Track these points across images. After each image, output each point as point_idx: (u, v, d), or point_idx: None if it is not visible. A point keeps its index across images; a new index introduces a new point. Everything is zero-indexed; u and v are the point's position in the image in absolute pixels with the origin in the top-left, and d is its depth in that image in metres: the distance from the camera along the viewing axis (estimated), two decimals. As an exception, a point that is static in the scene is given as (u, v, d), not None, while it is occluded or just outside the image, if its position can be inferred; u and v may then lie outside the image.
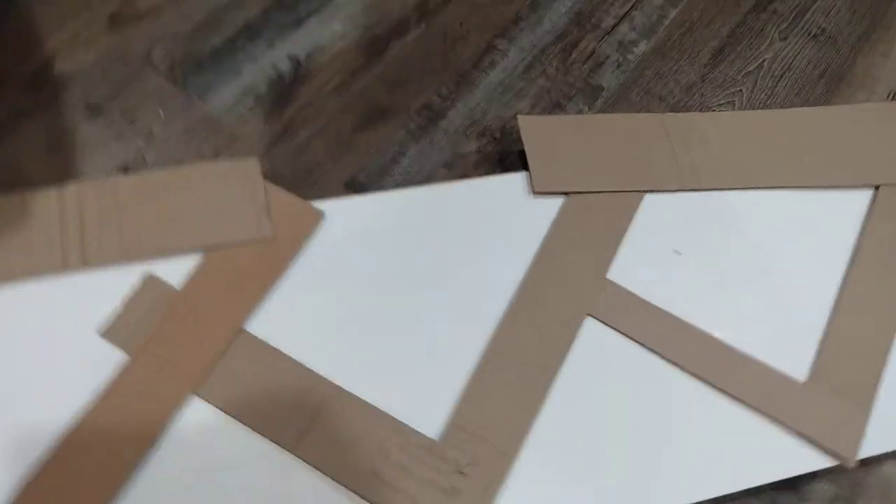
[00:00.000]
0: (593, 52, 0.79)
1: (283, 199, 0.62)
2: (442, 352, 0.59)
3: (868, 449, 0.58)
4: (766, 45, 0.83)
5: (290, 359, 0.57)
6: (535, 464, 0.55)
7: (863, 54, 0.84)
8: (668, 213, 0.67)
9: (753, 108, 0.77)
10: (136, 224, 0.59)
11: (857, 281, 0.65)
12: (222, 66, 0.73)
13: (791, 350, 0.62)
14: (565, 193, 0.66)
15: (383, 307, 0.60)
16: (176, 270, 0.59)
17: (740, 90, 0.80)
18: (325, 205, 0.63)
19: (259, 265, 0.59)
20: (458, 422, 0.56)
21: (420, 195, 0.66)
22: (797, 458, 0.58)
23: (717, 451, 0.58)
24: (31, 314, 0.56)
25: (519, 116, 0.68)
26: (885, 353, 0.62)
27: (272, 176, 0.64)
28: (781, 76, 0.81)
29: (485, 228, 0.64)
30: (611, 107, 0.76)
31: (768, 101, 0.79)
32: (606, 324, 0.61)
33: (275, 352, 0.57)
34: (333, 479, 0.53)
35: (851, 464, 0.57)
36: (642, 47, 0.81)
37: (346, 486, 0.53)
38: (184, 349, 0.56)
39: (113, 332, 0.56)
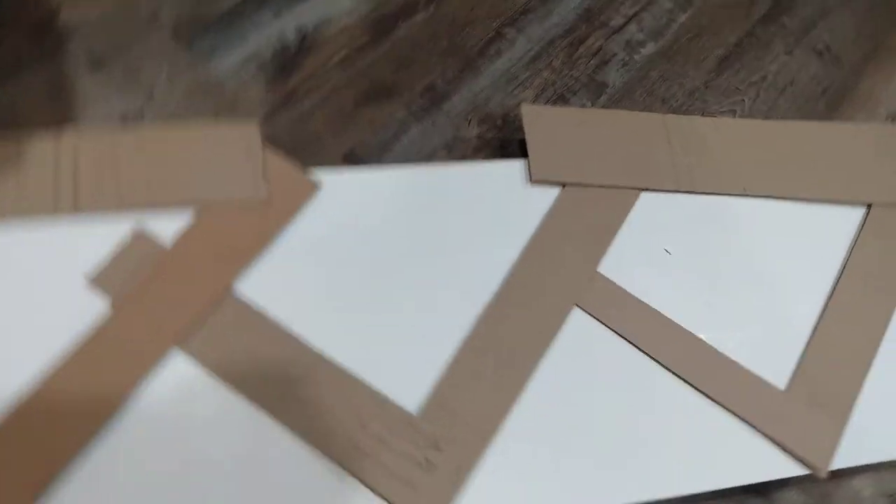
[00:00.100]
0: (600, 49, 0.80)
1: (280, 165, 0.62)
2: (428, 329, 0.59)
3: (840, 461, 0.58)
4: (772, 57, 0.84)
5: (275, 324, 0.57)
6: (510, 447, 0.55)
7: (866, 75, 0.85)
8: (663, 212, 0.67)
9: (754, 119, 0.78)
10: (130, 175, 0.59)
11: (843, 296, 0.66)
12: (228, 31, 0.72)
13: (773, 358, 0.62)
14: (562, 184, 0.66)
15: (372, 280, 0.60)
16: (167, 226, 0.58)
17: (742, 99, 0.80)
18: (322, 175, 0.63)
19: (251, 228, 0.59)
20: (438, 399, 0.56)
21: (418, 174, 0.66)
22: (769, 464, 0.58)
23: (690, 450, 0.58)
24: (17, 255, 0.56)
25: (522, 105, 0.68)
26: (865, 369, 0.62)
27: (271, 143, 0.64)
28: (784, 90, 0.82)
29: (480, 212, 0.64)
30: (614, 104, 0.76)
31: (769, 113, 0.80)
32: (593, 316, 0.61)
33: (261, 316, 0.57)
34: (310, 444, 0.53)
35: (823, 474, 0.57)
36: (649, 48, 0.81)
37: (321, 452, 0.53)
38: (169, 304, 0.55)
39: (100, 281, 0.56)
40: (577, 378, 0.59)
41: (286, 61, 0.71)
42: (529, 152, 0.66)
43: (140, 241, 0.57)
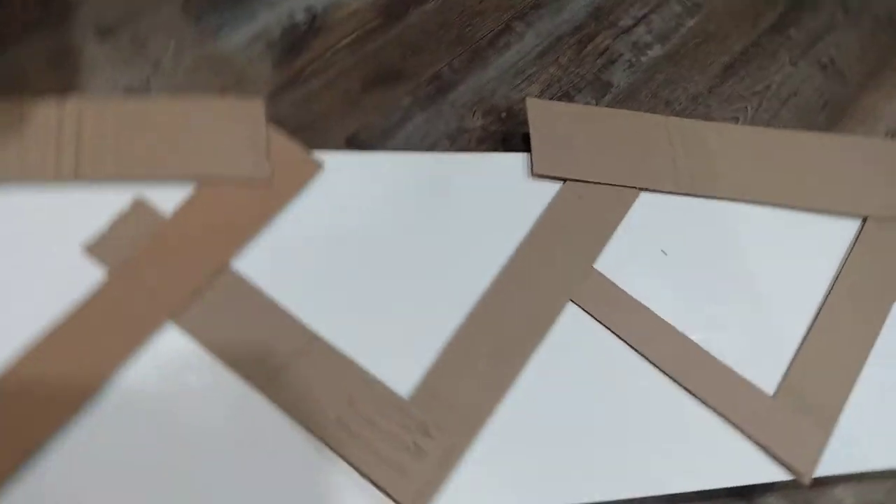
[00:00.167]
0: (607, 48, 0.80)
1: (283, 144, 0.62)
2: (423, 315, 0.59)
3: (824, 469, 0.59)
4: (777, 67, 0.84)
5: (271, 301, 0.57)
6: (499, 437, 0.56)
7: (868, 91, 0.85)
8: (661, 213, 0.67)
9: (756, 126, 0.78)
10: (133, 145, 0.58)
11: (835, 306, 0.66)
12: (238, 8, 0.72)
13: (762, 363, 0.62)
14: (563, 179, 0.66)
15: (369, 263, 0.60)
16: (168, 198, 0.58)
17: (745, 107, 0.81)
18: (324, 156, 0.63)
19: (252, 205, 0.59)
20: (430, 385, 0.56)
21: (421, 161, 0.66)
22: (754, 468, 0.58)
23: (676, 449, 0.58)
24: (15, 220, 0.56)
25: (527, 98, 0.68)
26: (852, 379, 0.63)
27: (275, 121, 0.63)
28: (787, 100, 0.82)
29: (480, 202, 0.64)
30: (618, 104, 0.77)
31: (771, 123, 0.80)
32: (587, 312, 0.61)
33: (258, 292, 0.57)
34: (298, 422, 0.53)
35: (807, 480, 0.58)
36: (656, 51, 0.81)
37: (309, 431, 0.53)
38: (165, 276, 0.55)
39: (97, 249, 0.56)
40: (569, 372, 0.59)
41: (295, 41, 0.71)
42: (532, 146, 0.66)
43: (139, 211, 0.57)
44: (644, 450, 0.58)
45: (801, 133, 0.75)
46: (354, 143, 0.68)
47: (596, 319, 0.61)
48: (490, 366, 0.58)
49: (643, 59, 0.81)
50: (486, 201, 0.65)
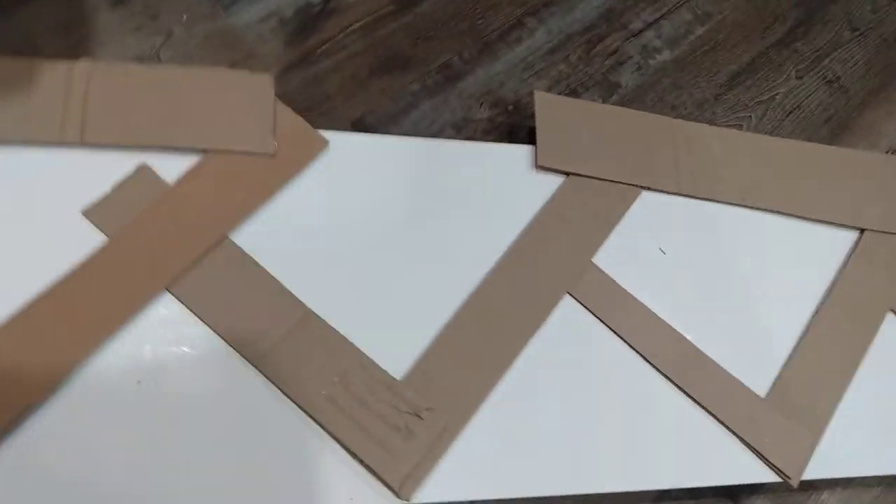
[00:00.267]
0: (617, 50, 0.80)
1: (291, 120, 0.62)
2: (420, 298, 0.59)
3: (812, 472, 0.59)
4: (782, 80, 0.85)
5: (270, 275, 0.56)
6: (490, 424, 0.56)
7: (871, 108, 0.86)
8: (662, 212, 0.67)
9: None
10: (140, 112, 0.58)
11: (829, 314, 0.66)
12: (253, -15, 0.72)
13: (754, 366, 0.63)
14: (566, 173, 0.66)
15: (370, 245, 0.60)
16: (172, 167, 0.58)
17: (749, 116, 0.81)
18: (330, 136, 0.63)
19: (255, 178, 0.59)
20: (424, 368, 0.56)
21: (427, 147, 0.66)
22: (742, 469, 0.59)
23: (666, 446, 0.58)
24: (19, 181, 0.55)
25: (536, 92, 0.68)
26: (843, 385, 0.63)
27: (283, 99, 0.63)
28: (790, 112, 0.83)
29: (483, 191, 0.65)
30: (624, 105, 0.77)
31: (773, 133, 0.81)
32: (584, 305, 0.62)
33: (256, 266, 0.57)
34: (289, 397, 0.53)
35: (795, 483, 0.58)
36: (664, 56, 0.82)
37: (300, 407, 0.53)
38: (164, 243, 0.55)
39: (96, 213, 0.55)
40: (562, 364, 0.59)
41: (308, 20, 0.71)
42: (538, 138, 0.66)
43: (143, 177, 0.57)
44: (633, 445, 0.58)
45: (803, 143, 0.75)
46: (360, 126, 0.68)
47: (592, 313, 0.62)
48: (484, 353, 0.58)
49: (651, 62, 0.81)
50: (488, 190, 0.65)
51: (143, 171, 0.57)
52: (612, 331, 0.61)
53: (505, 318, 0.59)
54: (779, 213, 0.70)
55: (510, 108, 0.73)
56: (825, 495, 0.62)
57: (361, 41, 0.72)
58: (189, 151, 0.59)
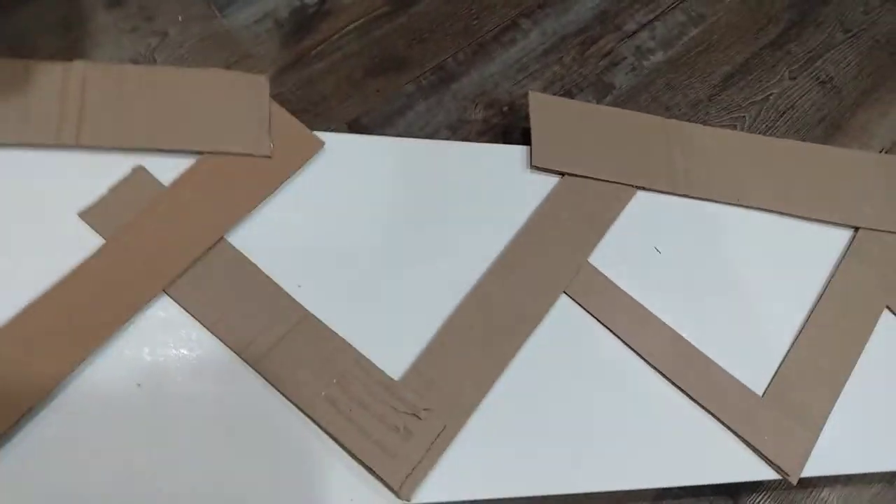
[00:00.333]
0: (611, 51, 0.81)
1: (287, 121, 0.62)
2: (417, 299, 0.59)
3: (811, 469, 0.59)
4: (776, 80, 0.85)
5: (266, 276, 0.56)
6: (488, 424, 0.56)
7: (863, 109, 0.87)
8: (657, 212, 0.68)
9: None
10: (135, 114, 0.58)
11: (824, 312, 0.67)
12: (249, -14, 0.72)
13: (751, 364, 0.63)
14: (561, 174, 0.66)
15: (366, 245, 0.60)
16: (168, 169, 0.58)
17: (743, 116, 0.82)
18: (326, 137, 0.63)
19: (251, 180, 0.59)
20: (421, 368, 0.56)
21: (422, 147, 0.66)
22: (741, 467, 0.59)
23: (664, 444, 0.58)
24: (14, 182, 0.55)
25: (530, 92, 0.69)
26: (841, 383, 0.63)
27: (278, 101, 0.63)
28: (784, 112, 0.83)
29: (478, 191, 0.65)
30: (619, 106, 0.77)
31: (767, 133, 0.81)
32: (580, 304, 0.62)
33: (253, 267, 0.56)
34: (288, 399, 0.53)
35: (794, 480, 0.58)
36: (658, 57, 0.82)
37: (298, 408, 0.53)
38: (160, 245, 0.55)
39: (92, 215, 0.55)
40: (559, 363, 0.59)
41: (303, 22, 0.71)
42: (532, 138, 0.67)
43: (139, 178, 0.57)
44: (632, 443, 0.58)
45: (797, 143, 0.75)
46: (356, 127, 0.68)
47: (588, 312, 0.62)
48: (482, 353, 0.58)
49: (645, 63, 0.81)
50: (484, 191, 0.65)
51: (140, 173, 0.57)
52: (609, 330, 0.61)
53: (502, 317, 0.59)
54: (773, 212, 0.71)
55: (505, 109, 0.73)
56: (825, 493, 0.63)
57: (356, 42, 0.72)
58: (185, 153, 0.59)
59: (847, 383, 0.63)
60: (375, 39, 0.73)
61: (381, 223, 0.62)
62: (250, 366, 0.53)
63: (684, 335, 0.62)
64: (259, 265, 0.57)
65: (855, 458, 0.61)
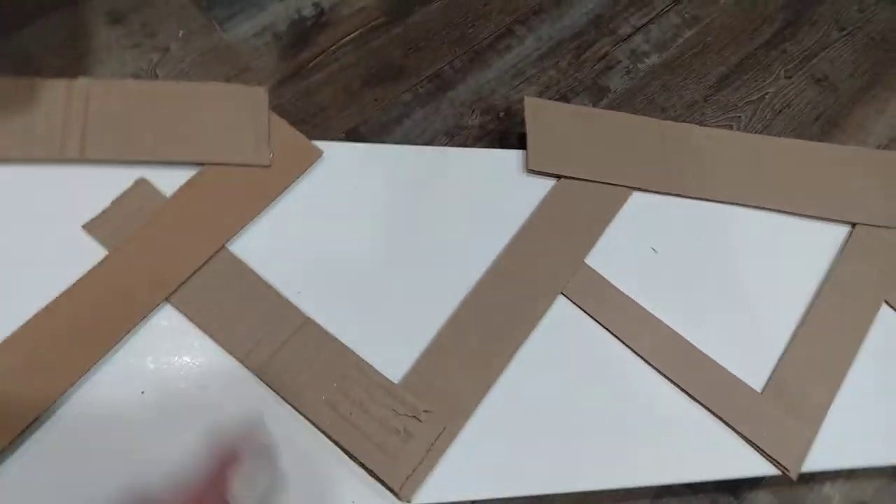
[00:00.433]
0: (606, 55, 0.82)
1: (286, 132, 0.63)
2: (415, 303, 0.60)
3: (812, 464, 0.60)
4: (771, 80, 0.86)
5: (267, 284, 0.57)
6: (488, 424, 0.56)
7: (859, 106, 0.87)
8: (652, 212, 0.68)
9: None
10: (138, 128, 0.59)
11: (823, 308, 0.67)
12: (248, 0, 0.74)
13: (749, 361, 0.63)
14: (558, 176, 0.67)
15: (365, 251, 0.61)
16: (170, 180, 0.59)
17: (739, 116, 0.82)
18: (324, 146, 0.64)
19: (251, 189, 0.60)
20: (421, 371, 0.57)
21: (419, 154, 0.67)
22: (742, 463, 0.59)
23: (665, 442, 0.59)
24: (19, 197, 0.57)
25: (526, 97, 0.70)
26: (840, 378, 0.64)
27: (277, 112, 0.65)
28: (780, 111, 0.84)
29: (475, 195, 0.66)
30: (615, 109, 0.78)
31: (763, 132, 0.82)
32: (578, 305, 0.62)
33: (254, 275, 0.58)
34: (290, 403, 0.54)
35: (794, 476, 0.58)
36: (653, 59, 0.83)
37: (300, 412, 0.53)
38: (163, 255, 0.56)
39: (96, 227, 0.56)
40: (558, 364, 0.60)
41: (301, 34, 0.73)
42: (528, 142, 0.67)
43: (141, 190, 0.58)
44: (633, 442, 0.58)
45: (793, 141, 0.76)
46: (354, 136, 0.69)
47: (586, 313, 0.62)
48: (481, 354, 0.58)
49: (640, 66, 0.82)
50: (481, 195, 0.66)
51: (142, 185, 0.59)
52: (607, 330, 0.62)
53: (500, 319, 0.60)
54: (770, 209, 0.71)
55: (501, 114, 0.74)
56: (827, 487, 0.63)
57: (353, 53, 0.73)
58: (186, 164, 0.60)
59: (846, 378, 0.64)
60: (372, 50, 0.74)
61: (380, 229, 0.63)
62: (252, 372, 0.54)
63: (682, 333, 0.63)
64: (260, 273, 0.58)
65: (856, 453, 0.61)
